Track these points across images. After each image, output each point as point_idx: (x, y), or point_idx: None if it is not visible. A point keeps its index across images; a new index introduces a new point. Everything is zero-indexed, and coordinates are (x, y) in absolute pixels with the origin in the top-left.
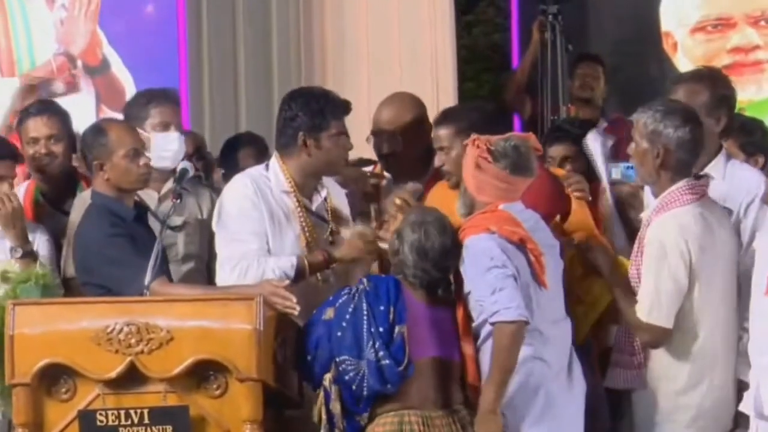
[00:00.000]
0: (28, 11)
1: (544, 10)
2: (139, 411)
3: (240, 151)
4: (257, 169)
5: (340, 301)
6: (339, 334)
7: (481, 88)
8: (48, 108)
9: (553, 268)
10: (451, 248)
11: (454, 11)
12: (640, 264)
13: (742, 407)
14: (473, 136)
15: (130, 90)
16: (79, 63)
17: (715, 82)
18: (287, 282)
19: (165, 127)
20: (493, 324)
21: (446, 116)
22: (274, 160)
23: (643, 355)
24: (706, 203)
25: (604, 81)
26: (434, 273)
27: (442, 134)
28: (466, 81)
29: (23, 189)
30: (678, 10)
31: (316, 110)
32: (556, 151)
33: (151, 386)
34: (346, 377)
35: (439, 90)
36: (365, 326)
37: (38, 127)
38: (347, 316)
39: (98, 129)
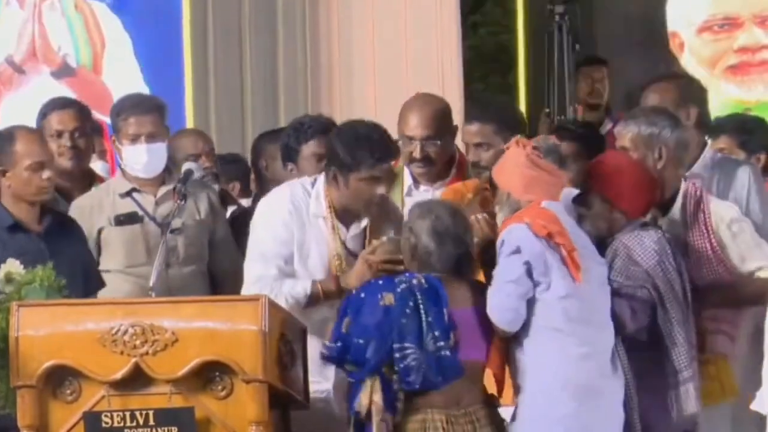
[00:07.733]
0: None
1: (551, 10)
2: (144, 412)
3: None
4: (303, 182)
5: (401, 288)
6: (404, 321)
7: (487, 89)
8: (72, 102)
9: (592, 270)
10: (465, 224)
11: (459, 12)
12: (711, 238)
13: (755, 406)
14: (516, 137)
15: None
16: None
17: (678, 79)
18: None
19: (134, 139)
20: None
21: (484, 113)
22: (321, 179)
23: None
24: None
25: (609, 81)
26: (456, 251)
27: (480, 131)
28: (472, 82)
29: None
30: (685, 10)
31: (351, 150)
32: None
33: (156, 387)
34: (402, 364)
35: (445, 91)
36: (423, 317)
37: (64, 119)
38: (411, 304)
39: (7, 135)
